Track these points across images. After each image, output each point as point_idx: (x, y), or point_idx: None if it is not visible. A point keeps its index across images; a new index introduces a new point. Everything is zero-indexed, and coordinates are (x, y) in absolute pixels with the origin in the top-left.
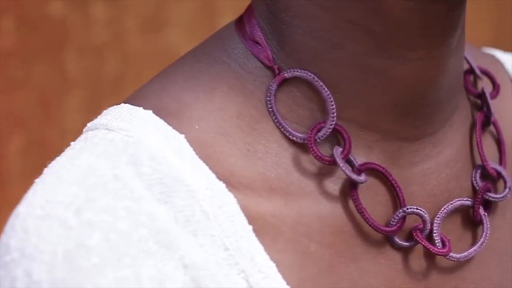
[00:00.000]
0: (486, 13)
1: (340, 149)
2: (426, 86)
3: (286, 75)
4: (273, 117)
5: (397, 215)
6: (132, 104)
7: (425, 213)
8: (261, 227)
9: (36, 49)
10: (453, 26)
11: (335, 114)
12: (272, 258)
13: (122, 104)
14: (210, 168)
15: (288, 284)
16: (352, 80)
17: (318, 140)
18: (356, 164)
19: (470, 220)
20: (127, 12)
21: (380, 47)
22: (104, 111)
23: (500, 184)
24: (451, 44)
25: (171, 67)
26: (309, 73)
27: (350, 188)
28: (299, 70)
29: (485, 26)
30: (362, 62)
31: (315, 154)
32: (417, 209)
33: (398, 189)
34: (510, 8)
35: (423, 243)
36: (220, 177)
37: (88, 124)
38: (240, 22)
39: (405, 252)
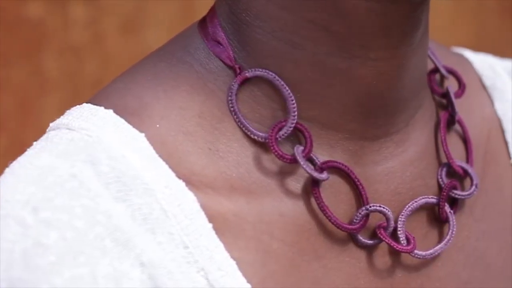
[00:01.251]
0: (469, 14)
1: (301, 147)
2: (387, 86)
3: (247, 74)
4: (235, 117)
5: (360, 213)
6: (94, 104)
7: (389, 211)
8: (222, 225)
9: (15, 51)
10: (415, 27)
11: (296, 113)
12: (233, 256)
13: (84, 104)
14: (170, 166)
15: (249, 282)
16: (313, 80)
17: (279, 139)
18: (318, 163)
19: (436, 218)
20: (106, 13)
21: (341, 47)
22: (67, 111)
23: (468, 182)
24: (412, 44)
25: (134, 67)
26: (270, 72)
27: (312, 186)
28: (260, 70)
29: (467, 27)
30: (322, 62)
31: (276, 153)
32: (380, 206)
33: (360, 187)
34: (493, 9)
35: (386, 240)
36: (180, 175)
37: (51, 124)
38: (203, 23)
39: (370, 250)
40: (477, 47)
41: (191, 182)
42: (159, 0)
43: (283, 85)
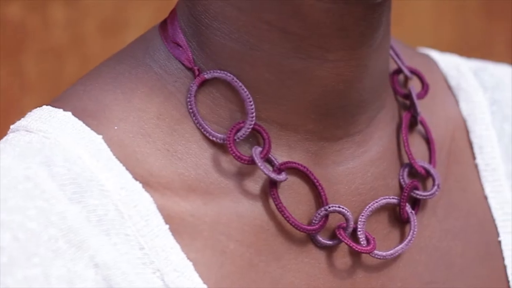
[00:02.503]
0: (452, 14)
1: (260, 148)
2: (346, 87)
3: (205, 76)
4: (193, 118)
5: (319, 214)
6: (54, 106)
7: (348, 211)
8: (179, 226)
9: None
10: (373, 28)
11: (254, 114)
12: (189, 257)
13: (44, 106)
14: (128, 168)
15: (205, 282)
16: (271, 81)
17: (237, 140)
18: (277, 164)
19: (398, 218)
20: (86, 14)
21: (298, 48)
22: (28, 113)
23: (430, 182)
24: (372, 45)
25: (95, 70)
26: (228, 74)
27: (270, 187)
28: (219, 71)
29: (451, 27)
30: (280, 63)
31: (234, 154)
32: (339, 207)
33: (320, 187)
34: (476, 9)
35: (345, 241)
36: (138, 177)
37: (11, 126)
38: (163, 25)
39: (330, 250)
40: (461, 47)
41: (148, 183)
42: (139, 1)
43: (241, 86)
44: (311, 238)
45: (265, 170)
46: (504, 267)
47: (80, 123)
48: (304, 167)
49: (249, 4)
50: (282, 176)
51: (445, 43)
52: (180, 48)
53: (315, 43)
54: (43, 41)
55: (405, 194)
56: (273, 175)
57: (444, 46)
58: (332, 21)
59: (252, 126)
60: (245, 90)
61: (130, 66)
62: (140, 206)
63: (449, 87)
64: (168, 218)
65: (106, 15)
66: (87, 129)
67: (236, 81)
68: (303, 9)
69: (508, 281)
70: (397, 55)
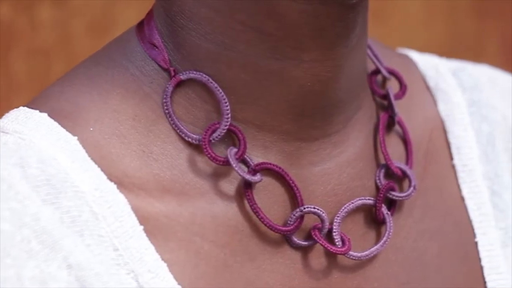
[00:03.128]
0: (441, 14)
1: (235, 149)
2: (322, 87)
3: (181, 77)
4: (169, 119)
5: (294, 215)
6: (31, 107)
7: (323, 212)
8: (153, 227)
9: None
10: (349, 28)
11: (229, 115)
12: (164, 258)
13: (21, 107)
14: (103, 169)
15: (179, 283)
16: (246, 82)
17: (213, 141)
18: (252, 164)
19: (374, 219)
20: (74, 14)
21: (274, 49)
22: (6, 114)
23: (407, 183)
24: (348, 45)
25: (72, 71)
26: (204, 75)
27: (245, 188)
28: (194, 72)
29: (440, 27)
30: (256, 63)
31: (209, 155)
32: (314, 208)
33: (295, 188)
34: (466, 9)
35: (320, 242)
36: (113, 178)
37: None
38: (140, 26)
39: (305, 251)
40: (452, 47)
41: (123, 184)
42: (127, 1)
43: (216, 87)
44: (286, 239)
45: (240, 171)
46: (481, 268)
47: (56, 124)
48: (279, 168)
49: (224, 5)
50: (257, 177)
51: (436, 43)
52: (156, 49)
53: (291, 44)
54: (31, 41)
55: (381, 195)
56: (248, 176)
57: (435, 46)
58: (308, 21)
59: (227, 127)
60: (221, 91)
61: (107, 68)
62: (115, 207)
63: (428, 88)
64: (142, 219)
65: (94, 15)
66: (63, 130)
67: (211, 82)
68: (278, 9)
69: (485, 282)
70: (375, 55)
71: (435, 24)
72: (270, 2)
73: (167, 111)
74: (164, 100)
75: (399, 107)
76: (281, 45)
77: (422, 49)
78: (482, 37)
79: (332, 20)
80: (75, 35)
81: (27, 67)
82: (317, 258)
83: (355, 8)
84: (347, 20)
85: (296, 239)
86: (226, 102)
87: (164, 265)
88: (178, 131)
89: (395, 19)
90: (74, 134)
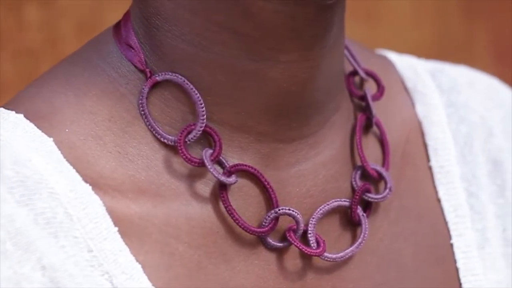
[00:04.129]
0: (430, 14)
1: (210, 151)
2: (299, 88)
3: (157, 78)
4: (145, 120)
5: (269, 216)
6: (7, 108)
7: (298, 214)
8: (128, 228)
9: None
10: (325, 29)
11: (204, 116)
12: (138, 260)
13: None
14: (78, 170)
15: (154, 285)
16: (223, 83)
17: (188, 142)
18: (227, 166)
19: (350, 221)
20: (62, 14)
21: (250, 50)
22: None
23: (383, 185)
24: (325, 46)
25: (49, 72)
26: (180, 76)
27: (220, 189)
28: (170, 73)
29: (429, 27)
30: (232, 64)
31: (184, 156)
32: (289, 209)
33: (270, 189)
34: (455, 9)
35: (295, 243)
36: (88, 179)
37: None
38: (117, 27)
39: (280, 252)
40: (441, 47)
41: (98, 185)
42: (115, 2)
43: (192, 88)
44: (261, 240)
45: (215, 172)
46: (457, 269)
47: (31, 125)
48: (255, 169)
49: (199, 6)
50: (232, 178)
51: (425, 43)
52: (133, 50)
53: (267, 45)
54: (18, 42)
55: (357, 197)
56: (223, 178)
57: (424, 46)
58: (283, 22)
59: (202, 128)
60: (196, 92)
61: (83, 68)
62: (89, 209)
63: (406, 89)
64: (117, 220)
65: (82, 16)
66: (38, 131)
67: (187, 83)
68: (254, 10)
69: (460, 284)
70: (353, 56)
71: (424, 25)
72: (246, 3)
73: (143, 112)
74: (140, 101)
75: (377, 108)
76: (257, 46)
77: (412, 49)
78: (471, 37)
79: (308, 20)
80: (63, 35)
81: (15, 68)
82: (292, 260)
83: (332, 8)
84: (324, 20)
85: (271, 241)
86: (201, 103)
87: (139, 266)
88: (153, 132)
89: (384, 20)
90: (49, 135)
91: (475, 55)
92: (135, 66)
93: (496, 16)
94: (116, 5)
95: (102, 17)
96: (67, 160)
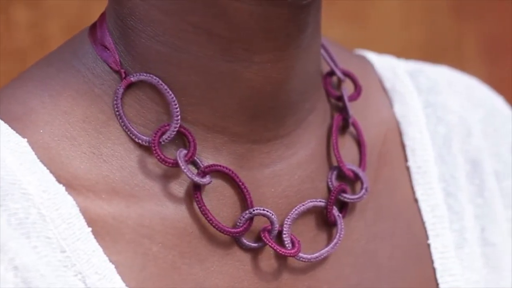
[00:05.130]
0: (419, 14)
1: (184, 151)
2: (274, 89)
3: (132, 79)
4: (120, 121)
5: (243, 216)
6: None
7: (272, 214)
8: (101, 229)
9: None
10: (301, 29)
11: (179, 117)
12: (111, 260)
13: None
14: (52, 171)
15: (127, 285)
16: (197, 84)
17: (163, 142)
18: (202, 166)
19: (325, 222)
20: (50, 15)
21: (224, 51)
22: None
23: (359, 185)
24: (299, 46)
25: (25, 72)
26: (154, 77)
27: (194, 190)
28: (145, 74)
29: (418, 27)
30: (206, 65)
31: (158, 157)
32: (263, 210)
33: (245, 190)
34: (444, 9)
35: (269, 243)
36: (62, 180)
37: None
38: (93, 28)
39: (255, 253)
40: (430, 48)
41: (72, 186)
42: (103, 2)
43: (166, 89)
44: (236, 241)
45: (188, 173)
46: (434, 270)
47: (5, 126)
48: (229, 169)
49: (174, 7)
50: (206, 179)
51: (414, 44)
52: (108, 51)
53: (241, 45)
54: (6, 42)
55: (332, 197)
56: (197, 178)
57: (413, 47)
58: (258, 23)
59: (177, 128)
60: (170, 92)
61: (58, 69)
62: (63, 209)
63: (384, 89)
64: (90, 221)
65: (70, 16)
66: (12, 132)
67: (161, 84)
68: (228, 11)
69: (437, 284)
70: (331, 56)
71: (413, 26)
72: (220, 4)
73: (117, 112)
74: (115, 102)
75: (354, 108)
76: (231, 47)
77: (401, 50)
78: (461, 38)
79: (282, 21)
80: (51, 36)
81: (3, 68)
82: (267, 260)
83: (306, 9)
84: (298, 21)
85: (246, 241)
86: (175, 104)
87: (112, 266)
88: (128, 132)
89: (373, 20)
90: (23, 136)
91: (464, 55)
92: (110, 67)
93: (486, 17)
94: (104, 5)
95: (90, 17)
96: (41, 161)
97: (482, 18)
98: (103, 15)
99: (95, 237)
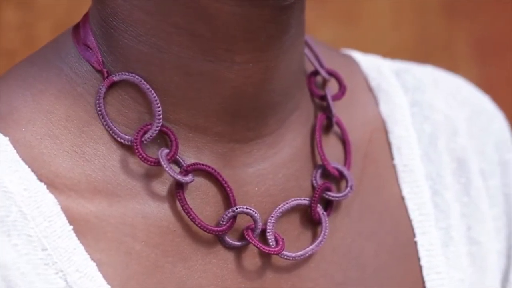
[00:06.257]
0: (410, 15)
1: (166, 150)
2: (255, 89)
3: (114, 78)
4: (102, 120)
5: (226, 215)
6: None
7: (255, 213)
8: (83, 227)
9: None
10: (282, 30)
11: (161, 116)
12: (93, 258)
13: None
14: (33, 170)
15: (109, 283)
16: (179, 83)
17: (145, 142)
18: (184, 165)
19: (310, 220)
20: (40, 16)
21: (206, 51)
22: None
23: (344, 184)
24: (281, 47)
25: (9, 72)
26: (136, 76)
27: (176, 188)
28: (127, 73)
29: (409, 27)
30: (188, 65)
31: (140, 156)
32: (246, 208)
33: (228, 189)
34: (435, 9)
35: (253, 242)
36: (43, 178)
37: None
38: (76, 28)
39: (239, 251)
40: (421, 48)
41: (54, 184)
42: None
43: (148, 88)
44: (219, 239)
45: (171, 171)
46: (420, 267)
47: None
48: (212, 168)
49: (156, 7)
50: (188, 177)
51: (405, 44)
52: (90, 51)
53: (223, 46)
54: None
55: (316, 195)
56: (179, 177)
57: (404, 47)
58: (239, 24)
59: (159, 128)
60: (153, 92)
61: (41, 68)
62: (44, 207)
63: (370, 89)
64: (72, 219)
65: (60, 16)
66: None
67: (143, 84)
68: (210, 12)
69: (423, 282)
70: (316, 56)
71: (404, 26)
72: (202, 5)
73: (100, 112)
74: (97, 101)
75: (340, 108)
76: (213, 47)
77: (392, 50)
78: (452, 37)
79: (263, 22)
80: (41, 36)
81: None
82: (251, 259)
83: (288, 10)
84: (280, 22)
85: (229, 240)
86: (157, 103)
87: (93, 264)
88: (110, 132)
89: (365, 21)
90: (5, 135)
91: (456, 55)
92: (93, 66)
93: (477, 16)
94: None
95: (80, 18)
96: (23, 159)
97: (473, 18)
98: (86, 16)
99: (77, 235)
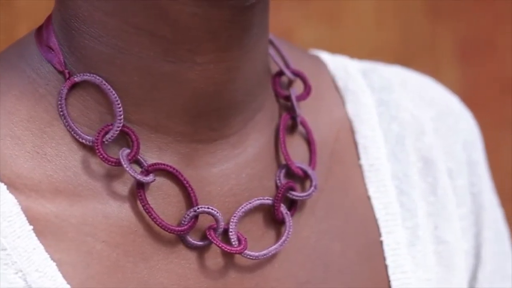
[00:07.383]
0: (393, 14)
1: (127, 150)
2: (217, 89)
3: (75, 79)
4: (64, 121)
5: (188, 215)
6: None
7: (217, 212)
8: (44, 227)
9: None
10: (243, 30)
11: (121, 116)
12: (53, 258)
13: None
14: None
15: (69, 283)
16: (140, 84)
17: (106, 142)
18: (145, 165)
19: (274, 220)
20: (20, 17)
21: (167, 52)
22: None
23: (309, 183)
24: (243, 47)
25: None
26: (97, 77)
27: (137, 188)
28: (88, 74)
29: (392, 27)
30: (149, 66)
31: (101, 156)
32: (208, 208)
33: (189, 188)
34: (418, 9)
35: (214, 241)
36: (4, 179)
37: None
38: (39, 29)
39: (201, 251)
40: (405, 48)
41: (14, 185)
42: None
43: (109, 89)
44: (181, 239)
45: (131, 171)
46: (385, 266)
47: None
48: (173, 168)
49: (116, 8)
50: (149, 177)
51: (388, 44)
52: (52, 52)
53: (184, 47)
54: None
55: (279, 194)
56: (139, 177)
57: (387, 47)
58: (200, 24)
59: (120, 128)
60: (114, 92)
61: (4, 69)
62: (3, 207)
63: (337, 89)
64: (32, 219)
65: (40, 17)
66: None
67: (104, 84)
68: (169, 13)
69: (389, 281)
70: (282, 56)
71: (387, 26)
72: (162, 5)
73: (61, 113)
74: (59, 102)
75: (306, 108)
76: (174, 48)
77: (375, 50)
78: (436, 37)
79: (224, 22)
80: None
81: None
82: (214, 258)
83: (249, 10)
84: (241, 22)
85: (191, 239)
86: (118, 104)
87: (53, 264)
88: (72, 132)
89: (347, 21)
90: None
91: (439, 55)
92: (55, 68)
93: (460, 17)
94: None
95: None
96: None
97: (457, 19)
98: (49, 17)
99: (37, 235)
